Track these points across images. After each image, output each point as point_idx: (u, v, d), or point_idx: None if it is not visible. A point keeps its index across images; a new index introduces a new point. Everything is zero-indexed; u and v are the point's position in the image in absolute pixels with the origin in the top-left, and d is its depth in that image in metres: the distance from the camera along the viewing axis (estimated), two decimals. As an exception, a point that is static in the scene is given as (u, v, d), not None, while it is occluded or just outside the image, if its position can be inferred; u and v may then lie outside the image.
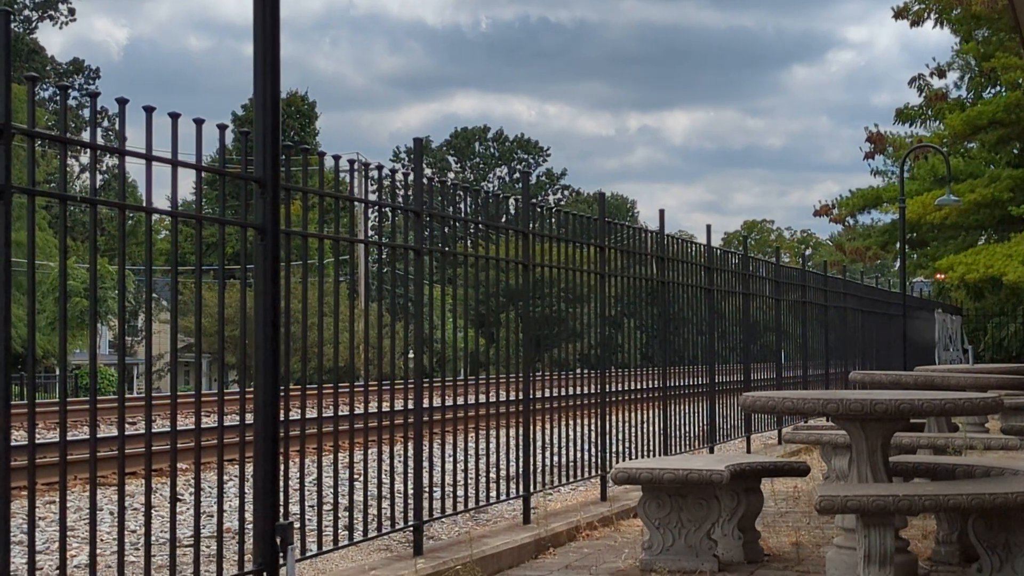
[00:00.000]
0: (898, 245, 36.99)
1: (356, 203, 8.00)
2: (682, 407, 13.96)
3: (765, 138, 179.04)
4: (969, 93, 45.51)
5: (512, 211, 10.20)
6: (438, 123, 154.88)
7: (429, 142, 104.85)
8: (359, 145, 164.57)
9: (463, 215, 9.18)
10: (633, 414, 12.30)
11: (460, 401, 9.39)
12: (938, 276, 43.93)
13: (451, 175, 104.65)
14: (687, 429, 14.10)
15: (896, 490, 6.76)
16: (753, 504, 8.59)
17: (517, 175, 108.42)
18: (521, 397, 9.92)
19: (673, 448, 13.43)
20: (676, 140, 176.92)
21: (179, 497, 9.72)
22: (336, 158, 7.58)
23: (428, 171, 8.51)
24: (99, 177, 5.49)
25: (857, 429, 7.13)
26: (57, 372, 56.18)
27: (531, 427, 9.90)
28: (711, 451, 14.62)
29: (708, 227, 15.40)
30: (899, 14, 43.72)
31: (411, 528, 8.24)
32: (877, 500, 6.53)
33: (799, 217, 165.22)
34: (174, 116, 5.75)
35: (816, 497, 6.66)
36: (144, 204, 5.70)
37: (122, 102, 5.46)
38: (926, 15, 43.43)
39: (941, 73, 45.56)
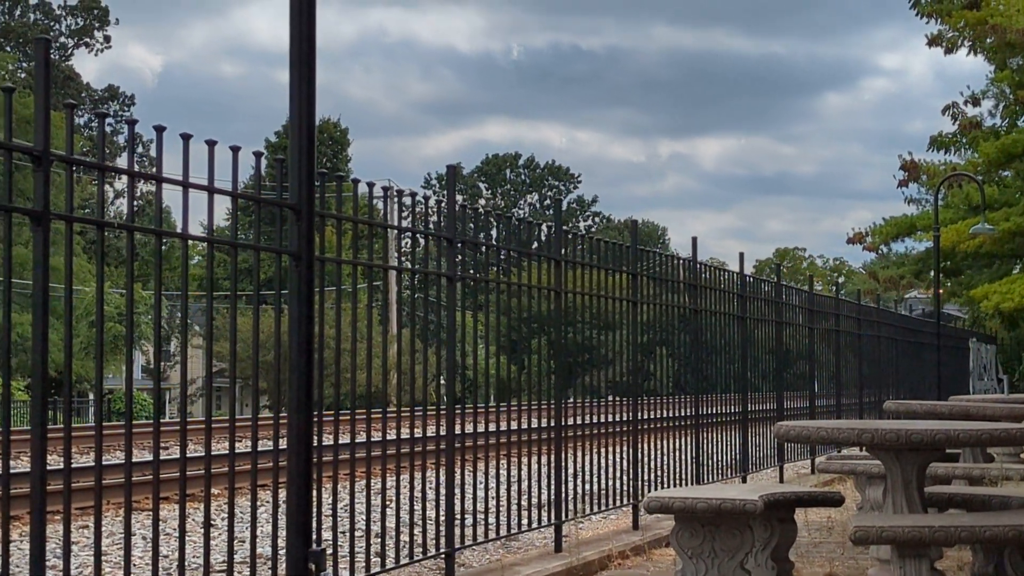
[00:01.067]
0: (932, 273, 36.83)
1: (389, 230, 8.03)
2: (715, 435, 13.91)
3: (797, 165, 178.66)
4: (1003, 121, 45.33)
5: (543, 238, 10.21)
6: (469, 149, 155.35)
7: (460, 169, 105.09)
8: (391, 171, 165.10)
9: (495, 242, 9.19)
10: (665, 442, 12.26)
11: (492, 428, 9.38)
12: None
13: (482, 201, 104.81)
14: (720, 458, 14.04)
15: (932, 521, 6.72)
16: (787, 534, 8.54)
17: (548, 202, 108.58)
18: (553, 424, 9.90)
19: (705, 477, 13.38)
20: (707, 167, 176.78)
21: (212, 523, 9.72)
22: (370, 185, 7.61)
23: (460, 198, 8.53)
24: (133, 203, 5.52)
25: (892, 459, 7.08)
26: (90, 397, 56.44)
27: (563, 454, 9.88)
28: (744, 480, 14.55)
29: (741, 255, 15.38)
30: (933, 42, 43.60)
31: (443, 555, 8.23)
32: (912, 531, 6.49)
33: (831, 245, 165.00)
34: (211, 144, 5.78)
35: (851, 528, 6.61)
36: (180, 231, 5.73)
37: (159, 130, 5.49)
38: (960, 43, 43.30)
39: (975, 101, 45.41)
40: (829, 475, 15.73)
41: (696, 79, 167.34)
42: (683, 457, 12.75)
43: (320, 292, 6.59)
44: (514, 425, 9.52)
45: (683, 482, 12.65)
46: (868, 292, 45.91)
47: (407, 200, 8.16)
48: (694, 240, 13.67)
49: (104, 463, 5.33)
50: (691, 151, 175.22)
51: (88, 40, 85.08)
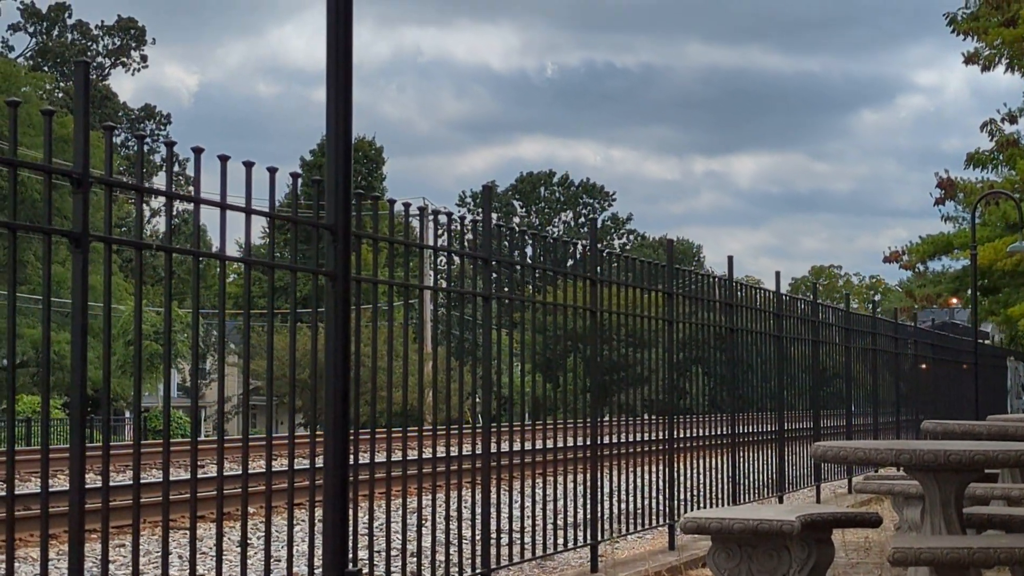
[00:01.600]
0: (969, 292, 36.62)
1: (426, 249, 8.05)
2: (751, 454, 13.86)
3: (832, 182, 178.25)
4: (1041, 139, 45.05)
5: (578, 256, 10.21)
6: (503, 167, 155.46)
7: (495, 187, 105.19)
8: (425, 189, 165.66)
9: (530, 261, 9.20)
10: (701, 461, 12.22)
11: (527, 446, 9.37)
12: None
13: (516, 219, 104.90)
14: (756, 477, 13.98)
15: (971, 542, 6.67)
16: (824, 555, 8.49)
17: (582, 219, 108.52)
18: (588, 443, 9.89)
19: (742, 496, 13.33)
20: (742, 184, 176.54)
21: (248, 542, 9.75)
22: (406, 205, 7.63)
23: (494, 216, 8.54)
24: (171, 221, 5.56)
25: (930, 480, 7.04)
26: (127, 415, 56.71)
27: (599, 473, 9.86)
28: (780, 500, 14.49)
29: (777, 274, 15.33)
30: (969, 59, 43.40)
31: (479, 575, 8.22)
32: (951, 552, 6.44)
33: (867, 262, 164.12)
34: (248, 165, 5.82)
35: (889, 549, 6.58)
36: (217, 250, 5.76)
37: (197, 151, 5.52)
38: (997, 60, 43.08)
39: (1012, 119, 45.14)
40: (866, 495, 15.64)
41: (731, 97, 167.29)
42: (719, 476, 12.71)
43: (356, 311, 6.61)
44: (549, 443, 9.51)
45: (719, 502, 12.60)
46: (905, 310, 45.71)
47: (442, 219, 8.17)
48: (730, 259, 13.64)
49: (141, 481, 5.36)
50: (726, 169, 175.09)
51: (125, 60, 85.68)
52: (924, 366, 20.96)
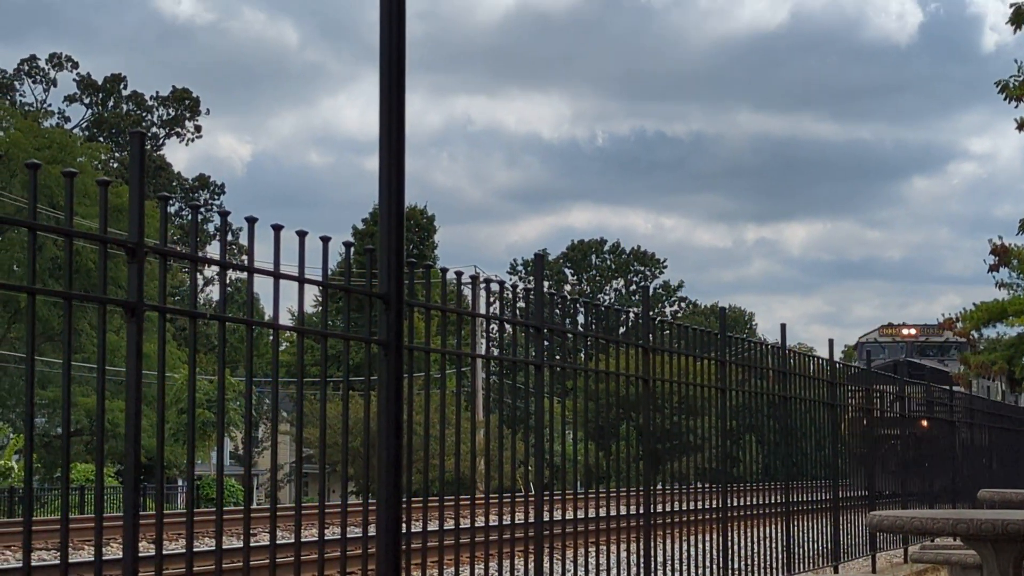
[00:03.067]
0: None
1: (477, 318, 8.06)
2: (805, 523, 13.73)
3: (884, 250, 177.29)
4: (1095, 204, 44.75)
5: (630, 324, 10.20)
6: (554, 236, 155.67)
7: (546, 255, 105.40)
8: (476, 257, 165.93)
9: (581, 328, 9.19)
10: (755, 530, 12.12)
11: (579, 514, 9.32)
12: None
13: (568, 287, 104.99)
14: (811, 546, 13.84)
15: (1030, 613, 6.57)
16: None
17: (634, 287, 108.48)
18: (641, 511, 9.83)
19: (797, 566, 13.19)
20: (794, 252, 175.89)
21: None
22: (458, 274, 7.66)
23: (545, 283, 8.56)
24: (225, 289, 5.60)
25: (988, 550, 6.95)
26: (180, 482, 56.87)
27: (652, 542, 9.79)
28: (836, 570, 14.32)
29: (831, 342, 15.26)
30: (1022, 125, 43.24)
31: (531, 645, 8.15)
32: (1011, 623, 6.34)
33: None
34: (301, 234, 5.86)
35: (947, 619, 6.48)
36: (270, 320, 5.79)
37: (251, 220, 5.57)
38: (1050, 126, 42.86)
39: (1066, 184, 44.87)
40: (923, 564, 15.43)
41: (781, 164, 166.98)
42: (774, 545, 12.58)
43: (408, 379, 6.62)
44: (602, 512, 9.46)
45: (773, 571, 12.47)
46: (959, 378, 45.25)
47: (494, 287, 8.19)
48: (783, 327, 13.59)
49: (194, 550, 5.36)
50: (777, 236, 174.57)
51: (179, 130, 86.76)
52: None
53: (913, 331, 54.79)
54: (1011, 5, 31.40)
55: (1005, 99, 43.18)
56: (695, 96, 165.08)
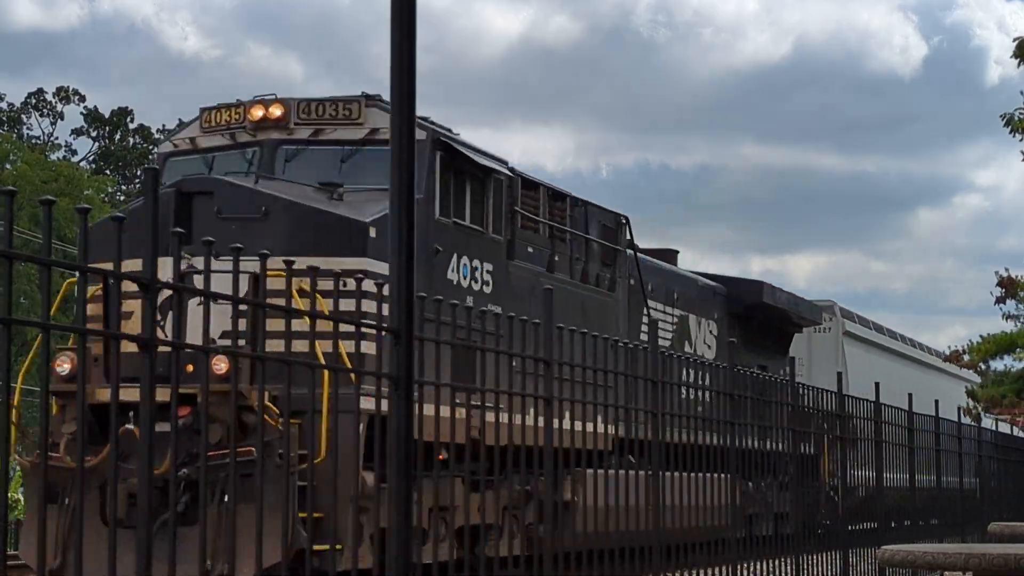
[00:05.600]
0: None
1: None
2: (814, 558, 13.66)
3: (890, 282, 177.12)
4: (1102, 236, 44.73)
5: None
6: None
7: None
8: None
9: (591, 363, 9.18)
10: (761, 563, 12.05)
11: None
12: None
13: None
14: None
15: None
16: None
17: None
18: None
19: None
20: (799, 284, 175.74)
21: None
22: (468, 309, 7.65)
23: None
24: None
25: (1001, 585, 6.92)
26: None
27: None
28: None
29: (839, 374, 15.23)
30: (1027, 158, 43.26)
31: None
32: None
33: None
34: (312, 269, 5.86)
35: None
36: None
37: (263, 256, 5.57)
38: (1055, 158, 42.91)
39: (1072, 216, 44.91)
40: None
41: (786, 196, 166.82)
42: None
43: (419, 412, 6.61)
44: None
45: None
46: (967, 411, 45.14)
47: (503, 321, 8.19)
48: (792, 360, 13.56)
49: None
50: (782, 268, 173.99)
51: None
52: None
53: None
54: (1015, 39, 31.38)
55: (1010, 132, 43.26)
56: (699, 128, 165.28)
